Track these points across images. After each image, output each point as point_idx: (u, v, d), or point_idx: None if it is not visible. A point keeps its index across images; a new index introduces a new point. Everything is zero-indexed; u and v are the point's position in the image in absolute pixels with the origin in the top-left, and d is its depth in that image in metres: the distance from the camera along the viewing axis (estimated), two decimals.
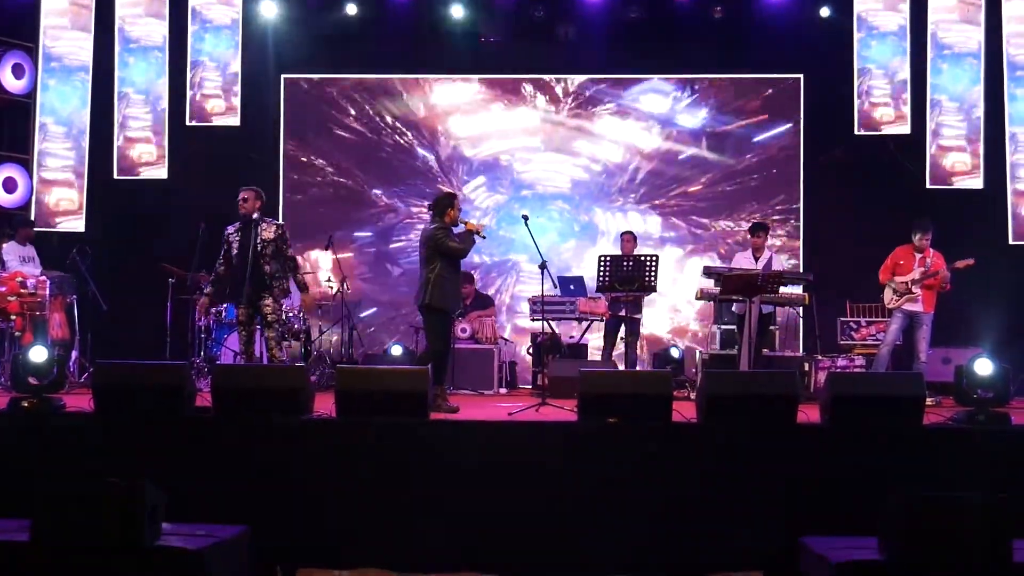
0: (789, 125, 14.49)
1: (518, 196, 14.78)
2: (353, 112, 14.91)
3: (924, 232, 11.18)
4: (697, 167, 14.68)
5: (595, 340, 13.35)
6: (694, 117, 14.69)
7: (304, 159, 14.89)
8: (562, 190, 14.83)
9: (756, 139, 14.59)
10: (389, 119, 14.92)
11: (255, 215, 9.83)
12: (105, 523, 5.92)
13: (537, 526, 7.32)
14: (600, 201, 14.80)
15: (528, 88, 14.89)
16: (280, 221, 10.03)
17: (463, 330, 12.63)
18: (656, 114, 14.74)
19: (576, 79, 14.82)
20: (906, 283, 11.13)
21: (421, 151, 14.92)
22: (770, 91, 14.58)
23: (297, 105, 14.91)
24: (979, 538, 5.85)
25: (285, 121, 14.85)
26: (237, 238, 9.85)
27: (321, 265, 14.50)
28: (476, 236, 9.60)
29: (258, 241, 9.75)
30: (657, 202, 14.72)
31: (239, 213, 9.88)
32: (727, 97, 14.70)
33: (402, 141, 14.92)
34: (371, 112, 14.93)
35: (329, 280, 13.76)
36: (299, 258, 11.03)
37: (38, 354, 8.05)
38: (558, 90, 14.85)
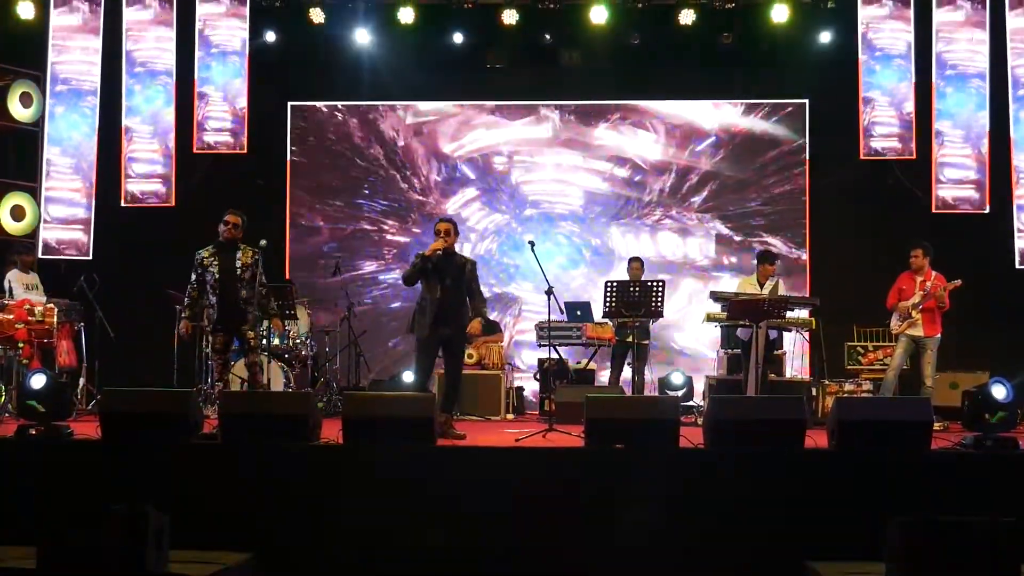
0: (798, 149, 14.53)
1: (521, 217, 14.64)
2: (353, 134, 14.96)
3: (913, 248, 11.24)
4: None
5: (602, 366, 13.31)
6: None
7: (311, 185, 14.95)
8: (573, 208, 14.61)
9: (772, 159, 14.57)
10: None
11: (235, 240, 9.80)
12: (111, 550, 5.92)
13: (545, 552, 7.30)
14: (621, 218, 14.56)
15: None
16: (260, 246, 9.88)
17: (469, 356, 12.61)
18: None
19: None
20: (907, 308, 11.16)
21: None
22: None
23: (303, 131, 14.96)
24: (987, 563, 5.84)
25: (292, 148, 14.91)
26: (215, 263, 9.77)
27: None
28: (426, 260, 9.54)
29: (237, 266, 9.73)
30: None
31: (222, 236, 9.82)
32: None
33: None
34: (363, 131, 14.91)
35: (335, 306, 13.76)
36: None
37: (40, 381, 8.04)
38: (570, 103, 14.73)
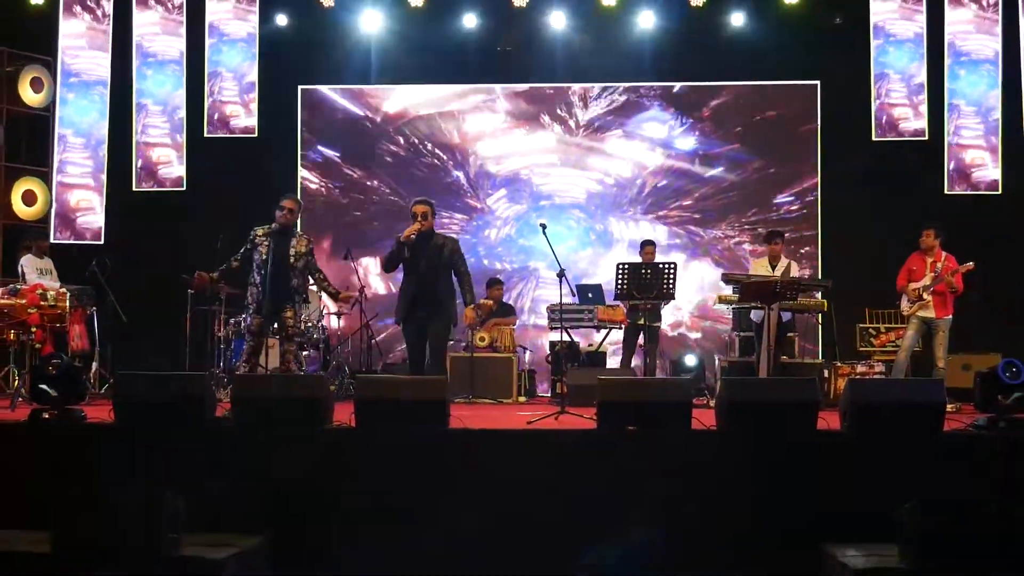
0: (809, 130, 14.59)
1: (536, 206, 15.07)
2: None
3: (924, 228, 11.24)
4: (703, 180, 15.13)
5: (613, 348, 13.34)
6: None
7: (326, 170, 15.03)
8: (578, 200, 15.18)
9: (783, 140, 14.91)
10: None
11: (292, 225, 9.88)
12: (125, 533, 5.94)
13: (557, 534, 7.30)
14: (614, 211, 15.13)
15: (546, 118, 15.26)
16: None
17: (481, 339, 12.63)
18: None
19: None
20: (918, 290, 11.13)
21: (454, 170, 15.33)
22: (788, 97, 14.78)
23: (318, 116, 15.04)
24: (999, 545, 5.83)
25: (302, 131, 14.94)
26: (266, 243, 9.79)
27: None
28: (402, 245, 9.53)
29: (291, 253, 9.77)
30: (661, 213, 15.10)
31: (278, 221, 9.84)
32: (729, 116, 15.07)
33: (436, 161, 15.32)
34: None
35: (348, 289, 13.78)
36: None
37: (53, 365, 8.05)
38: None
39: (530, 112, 15.34)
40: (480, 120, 15.40)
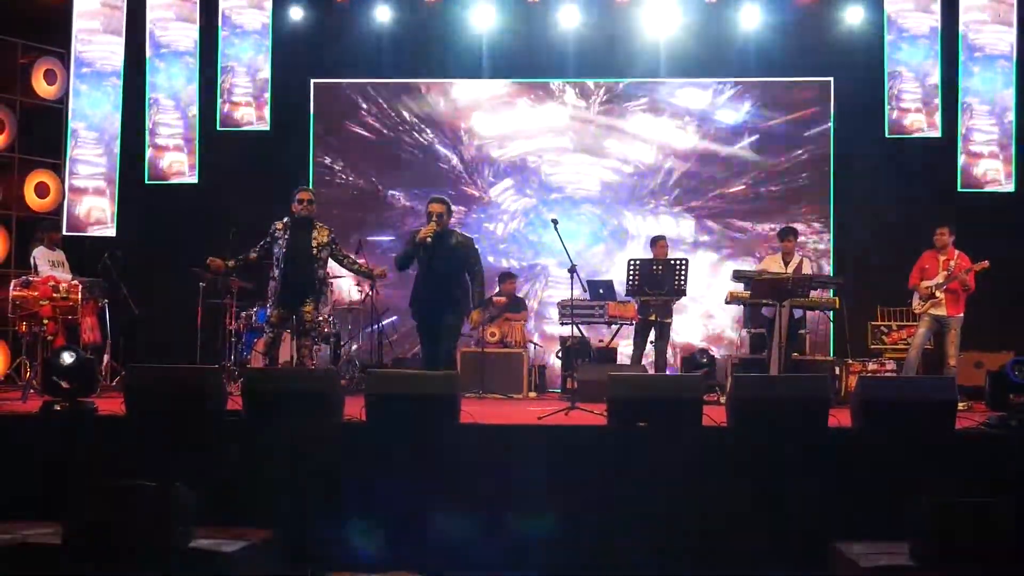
0: (823, 128, 14.44)
1: (547, 200, 14.75)
2: (377, 113, 14.92)
3: (940, 226, 11.21)
4: (734, 168, 14.58)
5: (624, 344, 13.30)
6: (734, 113, 14.59)
7: (333, 164, 14.97)
8: (591, 193, 14.77)
9: (798, 137, 14.49)
10: (412, 119, 14.91)
11: (311, 217, 9.87)
12: (136, 526, 5.95)
13: (567, 530, 7.30)
14: (630, 204, 14.74)
15: (557, 83, 14.83)
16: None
17: (492, 334, 12.63)
18: (693, 110, 14.65)
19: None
20: (930, 288, 11.11)
21: (443, 151, 14.88)
22: (805, 94, 14.54)
23: (326, 109, 14.97)
24: (1010, 543, 5.82)
25: (315, 126, 14.91)
26: (285, 237, 9.77)
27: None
28: (417, 247, 9.51)
29: (312, 245, 9.76)
30: (692, 204, 14.60)
31: (297, 214, 9.82)
32: (765, 94, 14.59)
33: (424, 141, 14.91)
34: (393, 113, 14.92)
35: (358, 285, 13.76)
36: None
37: (66, 357, 8.08)
38: (589, 83, 14.80)
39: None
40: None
